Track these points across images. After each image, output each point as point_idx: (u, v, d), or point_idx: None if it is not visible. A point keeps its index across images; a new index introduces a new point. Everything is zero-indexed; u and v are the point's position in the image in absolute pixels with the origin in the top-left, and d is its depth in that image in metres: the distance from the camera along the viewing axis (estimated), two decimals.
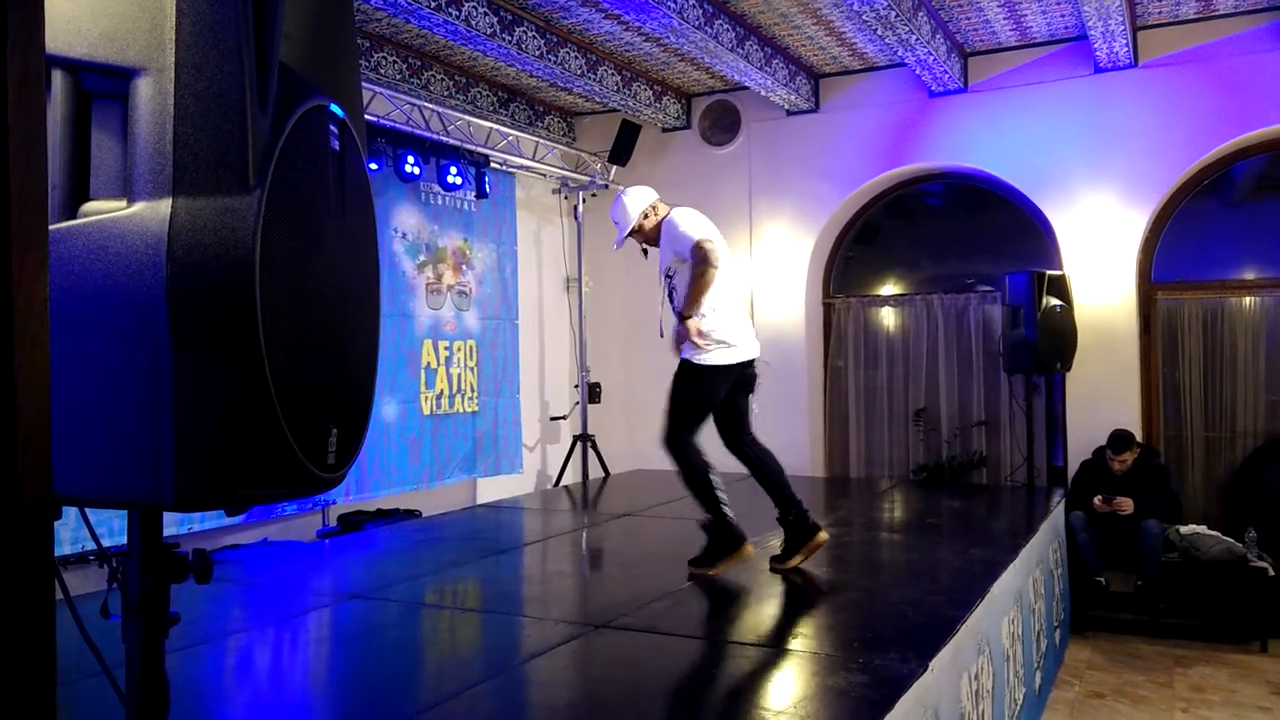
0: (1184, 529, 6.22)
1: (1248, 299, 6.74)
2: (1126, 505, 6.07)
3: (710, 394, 3.96)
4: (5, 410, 0.82)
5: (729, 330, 3.94)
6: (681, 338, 3.88)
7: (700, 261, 3.81)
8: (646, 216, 4.14)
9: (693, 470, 3.96)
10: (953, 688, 3.11)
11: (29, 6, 0.84)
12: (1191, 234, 6.87)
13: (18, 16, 0.83)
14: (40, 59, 0.85)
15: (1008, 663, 3.99)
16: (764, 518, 4.27)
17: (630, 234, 4.17)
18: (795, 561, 4.04)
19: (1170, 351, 6.91)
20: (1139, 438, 6.43)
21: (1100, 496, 6.15)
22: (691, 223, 3.95)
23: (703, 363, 3.90)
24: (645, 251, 4.30)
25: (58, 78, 1.17)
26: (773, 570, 4.05)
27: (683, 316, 3.86)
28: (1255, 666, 5.56)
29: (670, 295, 4.10)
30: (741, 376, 4.03)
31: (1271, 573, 5.86)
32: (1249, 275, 6.79)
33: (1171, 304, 6.91)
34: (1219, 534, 6.13)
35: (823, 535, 4.08)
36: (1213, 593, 5.97)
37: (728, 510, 3.95)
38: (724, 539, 3.96)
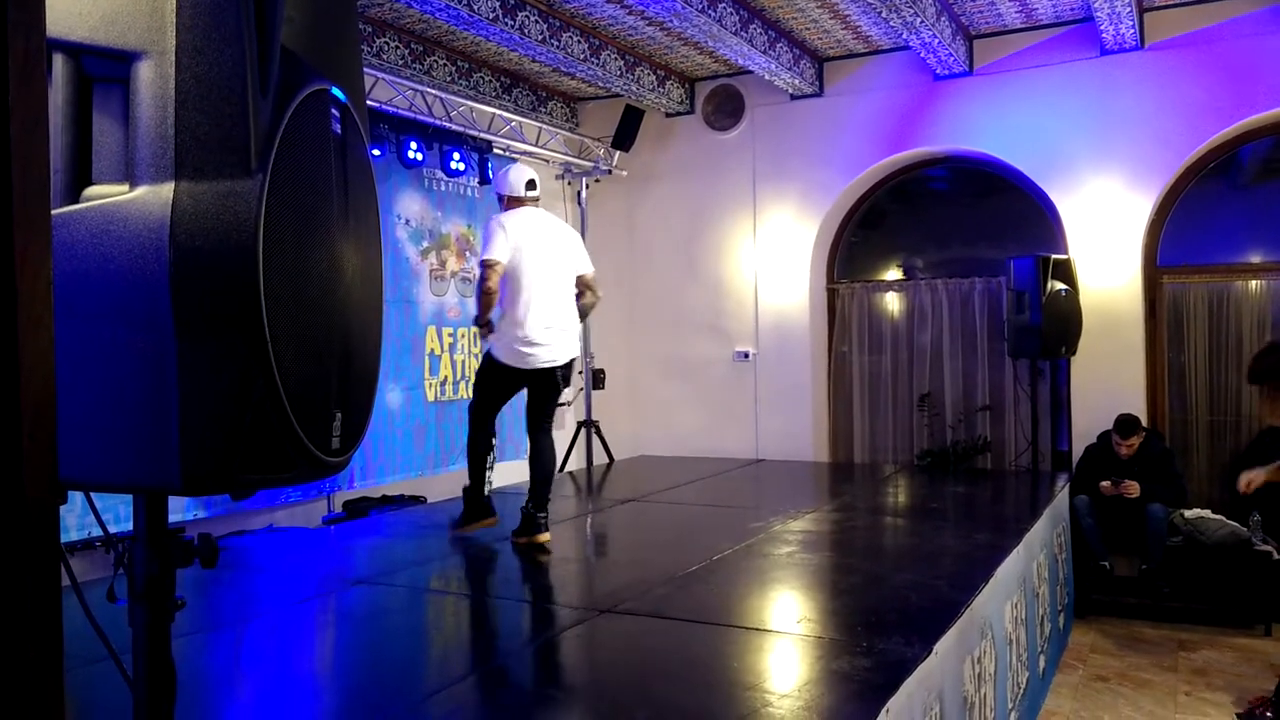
0: (1188, 513, 6.22)
1: (1253, 282, 6.72)
2: (1133, 489, 6.07)
3: (496, 383, 4.47)
4: (10, 395, 0.81)
5: (524, 339, 4.30)
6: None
7: (478, 283, 4.34)
8: (508, 201, 4.51)
9: (472, 440, 4.53)
10: (956, 671, 3.12)
11: None
12: (1197, 217, 6.84)
13: (19, 0, 0.82)
14: (41, 43, 0.85)
15: (1011, 646, 4.00)
16: (767, 509, 4.27)
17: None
18: (518, 539, 4.48)
19: (1175, 335, 6.89)
20: (1144, 422, 6.42)
21: (1108, 480, 6.15)
22: (489, 237, 4.29)
23: (494, 357, 4.41)
24: None
25: (59, 61, 1.16)
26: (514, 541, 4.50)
27: (475, 321, 4.41)
28: (1259, 650, 5.57)
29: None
30: (538, 379, 4.42)
31: (1276, 556, 5.86)
32: (1255, 258, 6.77)
33: (1177, 288, 6.89)
34: (1223, 518, 6.12)
35: (543, 537, 4.47)
36: (1217, 577, 5.98)
37: (488, 487, 4.56)
38: (476, 507, 4.56)
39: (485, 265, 4.24)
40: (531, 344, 4.29)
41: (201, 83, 1.14)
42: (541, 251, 4.34)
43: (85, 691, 2.49)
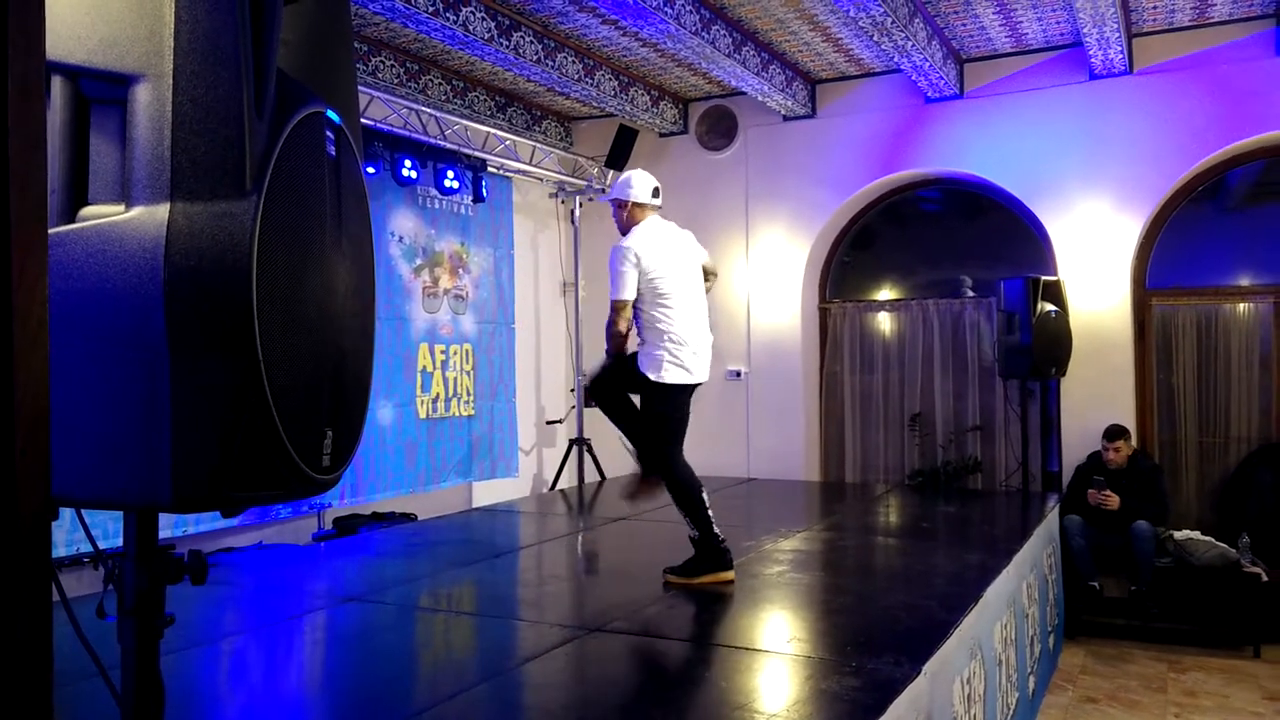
0: (1178, 534, 6.24)
1: (1242, 305, 6.77)
2: (1113, 500, 6.10)
3: (678, 409, 4.10)
4: (4, 412, 0.82)
5: (688, 354, 4.05)
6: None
7: (608, 324, 4.11)
8: (621, 207, 4.20)
9: (682, 486, 4.02)
10: (945, 692, 3.12)
11: (30, 13, 0.85)
12: (1186, 240, 6.89)
13: (19, 23, 0.84)
14: (41, 65, 0.86)
15: (1000, 667, 4.00)
16: (758, 528, 4.27)
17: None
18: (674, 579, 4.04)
19: (1165, 357, 6.93)
20: (1133, 443, 6.46)
21: (1094, 488, 6.17)
22: (618, 272, 4.03)
23: (665, 382, 4.02)
24: None
25: (57, 83, 1.18)
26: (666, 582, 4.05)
27: (608, 353, 4.17)
28: (1248, 672, 5.58)
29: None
30: (690, 395, 4.15)
31: (1264, 578, 5.88)
32: (1243, 281, 6.82)
33: (1166, 310, 6.94)
34: (1212, 539, 6.15)
35: (728, 574, 4.05)
36: (1206, 598, 5.99)
37: (716, 529, 4.02)
38: (710, 555, 4.00)
39: (615, 307, 4.01)
40: (692, 356, 4.05)
41: (198, 105, 1.15)
42: (678, 262, 4.11)
43: (73, 708, 2.48)
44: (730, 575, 4.01)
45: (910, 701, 2.71)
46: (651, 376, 4.02)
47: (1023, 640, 4.57)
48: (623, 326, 4.06)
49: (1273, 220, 6.78)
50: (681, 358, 4.03)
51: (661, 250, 4.09)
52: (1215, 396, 6.80)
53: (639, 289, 4.04)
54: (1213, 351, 6.82)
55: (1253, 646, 5.85)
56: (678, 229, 4.28)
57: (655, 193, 4.21)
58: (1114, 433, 6.31)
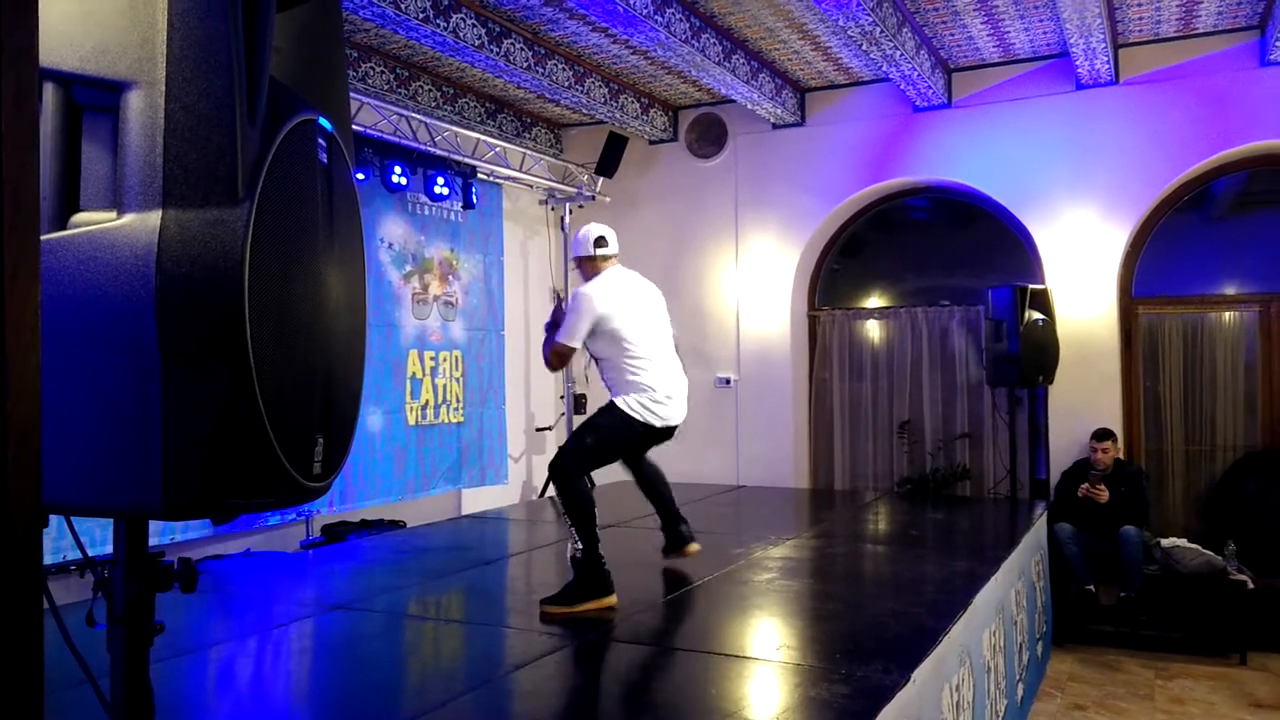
0: (1165, 542, 6.27)
1: (1227, 314, 6.81)
2: (1103, 494, 6.13)
3: (623, 441, 4.08)
4: None
5: (660, 398, 4.03)
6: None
7: (545, 352, 4.15)
8: (581, 264, 4.18)
9: (577, 497, 3.86)
10: (934, 699, 3.13)
11: (24, 20, 0.85)
12: (1172, 249, 6.94)
13: (12, 30, 0.84)
14: (34, 73, 0.87)
15: (989, 674, 4.01)
16: (748, 535, 4.26)
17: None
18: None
19: (1151, 365, 6.97)
20: (1120, 452, 6.49)
21: (1086, 484, 6.20)
22: (574, 317, 3.96)
23: (628, 411, 3.98)
24: None
25: (49, 90, 1.18)
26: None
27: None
28: (1234, 678, 5.61)
29: (596, 360, 4.19)
30: (661, 435, 4.12)
31: (1251, 585, 5.91)
32: (1229, 290, 6.87)
33: (1152, 318, 6.98)
34: (1199, 547, 6.18)
35: (693, 548, 4.36)
36: (1193, 605, 6.02)
37: (601, 550, 3.80)
38: (592, 579, 3.75)
39: (558, 350, 4.01)
40: (665, 401, 4.03)
41: (191, 113, 1.15)
42: (641, 310, 4.09)
43: (63, 715, 2.46)
44: (613, 600, 3.74)
45: (899, 709, 2.72)
46: (619, 405, 3.99)
47: (1011, 647, 4.59)
48: (557, 367, 4.23)
49: (1257, 229, 6.83)
50: (650, 405, 4.01)
51: (622, 297, 4.04)
52: (1201, 405, 6.85)
53: (606, 341, 4.01)
54: (1199, 360, 6.86)
55: (1239, 653, 5.88)
56: (641, 279, 4.24)
57: (600, 242, 4.12)
58: (1102, 433, 6.38)
